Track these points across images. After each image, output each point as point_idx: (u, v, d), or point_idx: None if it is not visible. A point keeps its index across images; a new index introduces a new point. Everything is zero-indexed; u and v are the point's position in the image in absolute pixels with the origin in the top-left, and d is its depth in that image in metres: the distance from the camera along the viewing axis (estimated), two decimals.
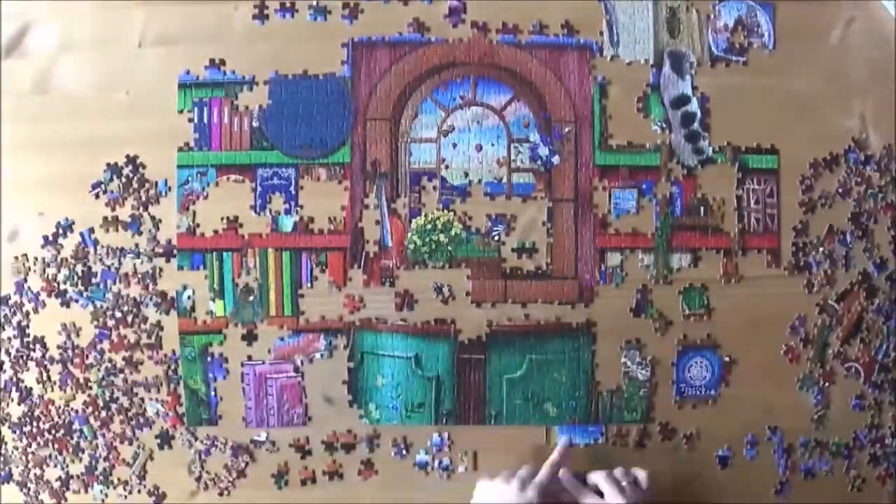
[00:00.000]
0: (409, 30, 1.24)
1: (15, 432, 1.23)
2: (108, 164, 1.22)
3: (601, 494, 1.09)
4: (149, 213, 1.22)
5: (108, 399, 1.22)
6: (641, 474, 1.11)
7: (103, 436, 1.23)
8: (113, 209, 1.22)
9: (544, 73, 1.24)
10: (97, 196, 1.22)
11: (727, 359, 1.24)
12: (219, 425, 1.22)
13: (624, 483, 1.10)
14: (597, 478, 1.11)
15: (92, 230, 1.22)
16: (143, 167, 1.22)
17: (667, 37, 1.24)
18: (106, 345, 1.22)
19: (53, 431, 1.23)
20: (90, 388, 1.22)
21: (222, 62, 1.23)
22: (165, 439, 1.22)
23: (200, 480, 1.23)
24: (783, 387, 1.24)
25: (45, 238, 1.22)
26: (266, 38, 1.23)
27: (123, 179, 1.22)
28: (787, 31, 1.25)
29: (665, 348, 1.23)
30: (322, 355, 1.22)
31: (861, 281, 1.24)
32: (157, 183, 1.22)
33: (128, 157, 1.22)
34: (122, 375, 1.22)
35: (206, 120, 1.22)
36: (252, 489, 1.23)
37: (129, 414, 1.22)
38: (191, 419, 1.22)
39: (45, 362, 1.22)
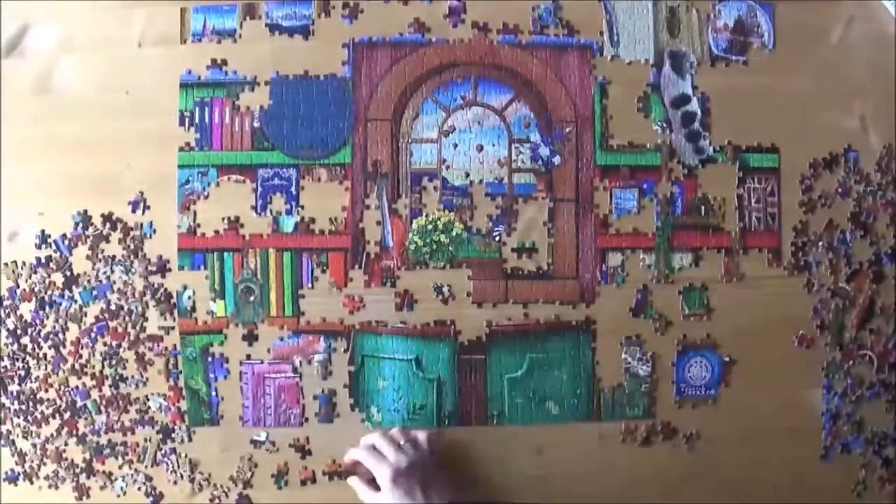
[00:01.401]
0: (409, 30, 1.24)
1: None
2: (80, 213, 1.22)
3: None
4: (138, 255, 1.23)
5: (114, 389, 1.22)
6: (422, 435, 1.12)
7: (107, 416, 1.22)
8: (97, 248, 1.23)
9: (545, 74, 1.24)
10: (76, 227, 1.22)
11: (727, 359, 1.24)
12: (220, 426, 1.22)
13: (402, 442, 1.11)
14: (371, 438, 1.13)
15: (84, 227, 1.23)
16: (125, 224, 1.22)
17: (667, 36, 1.25)
18: (107, 338, 1.22)
19: (56, 414, 1.23)
20: (90, 374, 1.22)
21: (224, 62, 1.23)
22: (167, 433, 1.22)
23: (195, 482, 1.23)
24: (785, 386, 1.24)
25: (42, 238, 1.22)
26: (267, 38, 1.23)
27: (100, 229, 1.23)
28: (787, 31, 1.26)
29: (665, 347, 1.23)
30: (321, 357, 1.22)
31: (871, 263, 1.25)
32: (141, 225, 1.22)
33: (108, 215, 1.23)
34: (125, 368, 1.22)
35: (206, 120, 1.22)
36: (252, 489, 1.22)
37: (134, 408, 1.22)
38: (192, 419, 1.22)
39: (40, 340, 1.22)
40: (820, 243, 1.24)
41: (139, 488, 1.22)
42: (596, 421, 1.23)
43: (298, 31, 1.23)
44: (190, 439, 1.22)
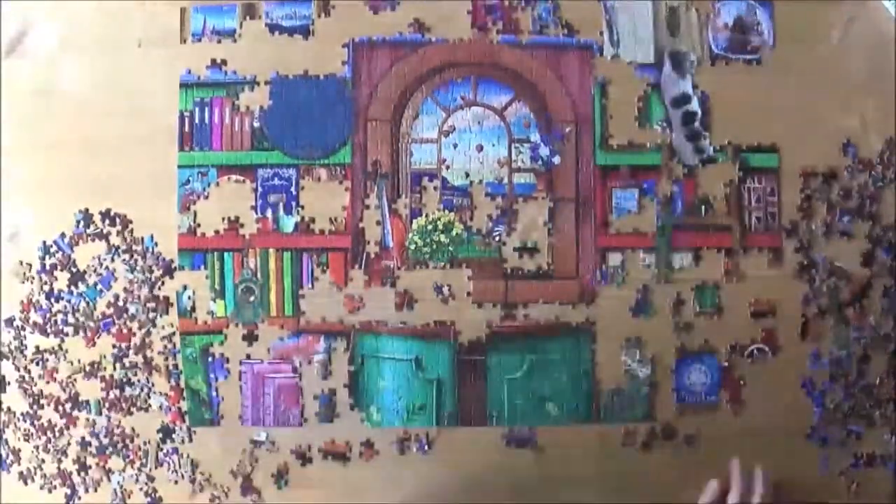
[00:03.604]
0: (409, 30, 1.24)
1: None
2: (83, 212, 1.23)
3: None
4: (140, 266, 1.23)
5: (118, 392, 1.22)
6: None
7: (108, 418, 1.23)
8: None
9: (545, 73, 1.24)
10: (77, 224, 1.23)
11: (726, 364, 1.24)
12: (220, 426, 1.22)
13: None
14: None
15: (86, 225, 1.23)
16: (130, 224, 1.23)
17: (667, 36, 1.24)
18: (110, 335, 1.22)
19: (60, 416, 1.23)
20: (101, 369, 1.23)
21: (223, 62, 1.23)
22: (167, 433, 1.22)
23: (195, 482, 1.23)
24: (786, 385, 1.24)
25: (44, 249, 1.22)
26: (267, 38, 1.23)
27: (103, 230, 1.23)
28: (787, 30, 1.25)
29: (666, 347, 1.23)
30: (321, 357, 1.22)
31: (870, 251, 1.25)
32: (143, 239, 1.22)
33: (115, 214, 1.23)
34: (126, 367, 1.22)
35: (206, 120, 1.22)
36: (252, 486, 1.23)
37: (134, 406, 1.22)
38: (193, 420, 1.22)
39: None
40: (822, 245, 1.24)
41: (141, 489, 1.22)
42: (595, 423, 1.23)
43: (298, 31, 1.23)
44: (191, 439, 1.22)
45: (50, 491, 1.23)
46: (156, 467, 1.22)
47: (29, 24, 1.23)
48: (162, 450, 1.22)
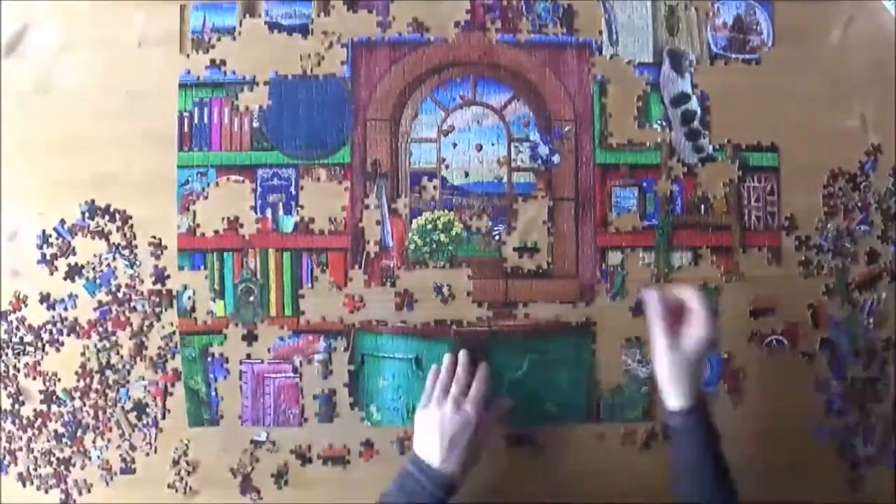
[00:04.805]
0: (408, 30, 1.24)
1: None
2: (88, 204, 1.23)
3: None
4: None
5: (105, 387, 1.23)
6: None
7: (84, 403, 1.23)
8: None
9: (544, 73, 1.24)
10: (83, 216, 1.23)
11: (725, 356, 1.23)
12: (220, 426, 1.22)
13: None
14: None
15: (85, 219, 1.23)
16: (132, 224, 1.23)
17: (666, 35, 1.25)
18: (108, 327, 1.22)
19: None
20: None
21: (223, 62, 1.23)
22: (142, 409, 1.22)
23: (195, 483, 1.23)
24: (785, 384, 1.24)
25: (42, 238, 1.22)
26: (266, 37, 1.23)
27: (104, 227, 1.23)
28: (787, 30, 1.26)
29: None
30: (321, 357, 1.22)
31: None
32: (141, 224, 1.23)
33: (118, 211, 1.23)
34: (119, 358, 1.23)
35: (206, 120, 1.22)
36: (252, 485, 1.23)
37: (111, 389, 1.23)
38: (192, 420, 1.22)
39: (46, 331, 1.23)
40: (821, 245, 1.24)
41: (120, 455, 1.23)
42: (595, 423, 1.23)
43: (298, 30, 1.23)
44: (188, 444, 1.22)
45: (46, 491, 1.23)
46: (132, 432, 1.22)
47: (29, 24, 1.23)
48: (154, 448, 1.22)
